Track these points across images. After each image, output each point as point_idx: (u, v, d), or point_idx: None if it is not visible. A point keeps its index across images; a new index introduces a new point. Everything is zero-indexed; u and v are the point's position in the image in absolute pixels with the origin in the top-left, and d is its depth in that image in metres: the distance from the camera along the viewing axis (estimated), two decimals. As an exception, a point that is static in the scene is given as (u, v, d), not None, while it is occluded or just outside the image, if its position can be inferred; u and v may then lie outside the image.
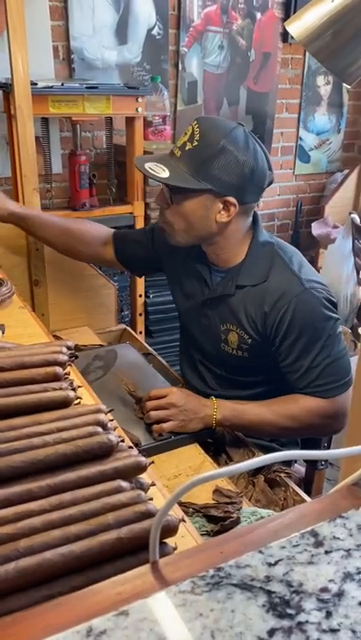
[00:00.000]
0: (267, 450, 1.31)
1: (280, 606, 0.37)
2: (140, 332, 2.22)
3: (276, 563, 0.41)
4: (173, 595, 0.38)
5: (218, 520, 0.97)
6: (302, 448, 1.43)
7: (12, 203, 1.46)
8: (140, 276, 2.10)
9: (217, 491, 1.05)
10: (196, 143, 1.13)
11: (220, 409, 1.22)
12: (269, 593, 0.38)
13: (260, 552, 0.42)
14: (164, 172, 1.14)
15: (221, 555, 0.42)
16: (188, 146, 1.14)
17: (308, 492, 1.36)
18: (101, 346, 1.59)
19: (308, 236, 3.05)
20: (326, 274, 2.84)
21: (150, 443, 1.16)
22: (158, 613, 0.37)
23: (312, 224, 2.99)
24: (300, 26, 0.73)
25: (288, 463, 1.31)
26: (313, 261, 2.97)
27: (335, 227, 2.96)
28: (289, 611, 0.37)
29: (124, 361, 1.45)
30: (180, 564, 0.42)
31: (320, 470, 1.39)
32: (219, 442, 1.26)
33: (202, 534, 0.95)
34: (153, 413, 1.19)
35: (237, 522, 0.97)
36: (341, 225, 2.93)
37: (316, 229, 2.96)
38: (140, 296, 2.19)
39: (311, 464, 1.39)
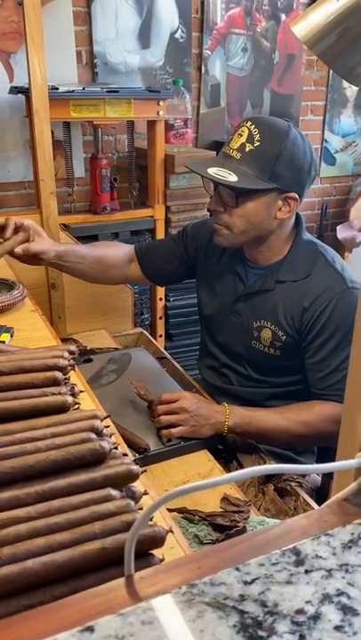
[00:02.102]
0: (281, 458, 1.28)
1: (252, 627, 0.36)
2: (160, 336, 2.22)
3: (253, 581, 0.39)
4: (142, 612, 0.37)
5: (224, 529, 0.96)
6: (318, 457, 1.40)
7: (51, 242, 1.35)
8: (163, 286, 2.08)
9: (225, 499, 1.03)
10: (257, 144, 1.15)
11: (233, 415, 1.20)
12: (242, 613, 0.37)
13: (237, 569, 0.40)
14: (231, 176, 1.15)
15: (199, 570, 0.41)
16: (249, 147, 1.15)
17: (324, 502, 1.33)
18: (117, 349, 1.59)
19: (333, 240, 3.00)
20: (351, 278, 2.79)
21: (159, 448, 1.15)
22: (124, 630, 0.36)
23: (337, 227, 2.95)
24: (305, 26, 0.71)
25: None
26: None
27: (361, 230, 2.90)
28: (260, 633, 0.36)
29: (137, 365, 1.44)
30: (155, 578, 0.41)
31: (336, 479, 1.36)
32: (230, 448, 1.24)
33: (207, 543, 0.94)
34: (163, 418, 1.18)
35: (243, 531, 0.95)
36: (367, 228, 2.88)
37: (341, 232, 2.91)
38: (161, 299, 2.18)
39: (327, 472, 1.36)
